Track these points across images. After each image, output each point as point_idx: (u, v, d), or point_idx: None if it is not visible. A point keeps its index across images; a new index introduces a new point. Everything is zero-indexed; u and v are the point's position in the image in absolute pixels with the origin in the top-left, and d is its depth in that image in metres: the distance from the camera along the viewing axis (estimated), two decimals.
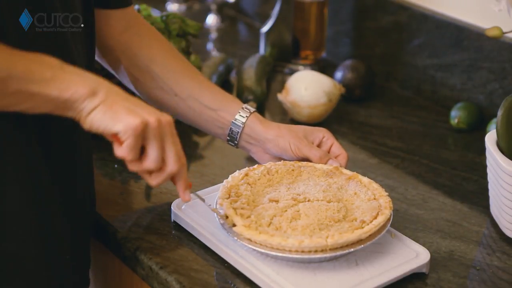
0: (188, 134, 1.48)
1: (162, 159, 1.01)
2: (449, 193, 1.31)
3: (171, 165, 1.02)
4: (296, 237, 1.03)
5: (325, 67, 1.76)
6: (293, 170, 1.18)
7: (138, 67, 1.24)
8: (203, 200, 1.13)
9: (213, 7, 2.05)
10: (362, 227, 1.06)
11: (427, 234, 1.18)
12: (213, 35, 2.02)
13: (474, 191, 1.32)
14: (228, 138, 1.24)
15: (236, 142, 1.24)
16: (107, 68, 1.29)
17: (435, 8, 1.62)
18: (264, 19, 1.92)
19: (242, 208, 1.09)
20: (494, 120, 1.31)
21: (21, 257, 1.04)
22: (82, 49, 1.09)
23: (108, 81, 1.00)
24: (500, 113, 1.16)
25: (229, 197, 1.11)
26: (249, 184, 1.14)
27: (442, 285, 1.08)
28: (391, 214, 1.10)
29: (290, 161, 1.22)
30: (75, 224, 1.11)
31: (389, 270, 1.06)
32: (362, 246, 1.05)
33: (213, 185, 1.25)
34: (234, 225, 1.07)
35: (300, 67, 1.76)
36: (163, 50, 1.26)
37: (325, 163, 1.20)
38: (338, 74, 1.64)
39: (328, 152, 1.22)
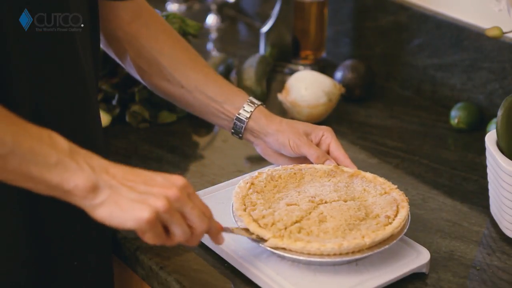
0: (188, 134, 1.48)
1: (189, 226, 0.96)
2: (449, 193, 1.31)
3: (199, 228, 0.96)
4: (334, 241, 1.03)
5: (325, 67, 1.76)
6: (294, 173, 1.18)
7: (145, 58, 1.24)
8: (231, 231, 1.06)
9: (213, 7, 2.05)
10: (391, 223, 1.06)
11: (427, 234, 1.18)
12: (213, 35, 2.02)
13: (474, 191, 1.32)
14: (232, 130, 1.25)
15: (240, 135, 1.25)
16: (113, 58, 1.28)
17: (435, 8, 1.62)
18: (264, 19, 1.92)
19: (263, 217, 1.07)
20: (494, 120, 1.31)
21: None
22: (87, 49, 1.09)
23: (109, 161, 0.93)
24: (500, 113, 1.16)
25: (245, 208, 1.09)
26: (258, 193, 1.13)
27: (442, 285, 1.07)
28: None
29: (289, 156, 1.22)
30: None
31: (389, 270, 1.06)
32: (395, 241, 1.05)
33: (213, 185, 1.25)
34: (263, 239, 1.05)
35: (300, 67, 1.76)
36: (171, 42, 1.26)
37: (323, 163, 1.20)
38: (338, 74, 1.64)
39: (328, 152, 1.23)
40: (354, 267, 1.06)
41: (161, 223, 0.92)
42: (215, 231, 1.00)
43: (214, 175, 1.33)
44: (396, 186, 1.14)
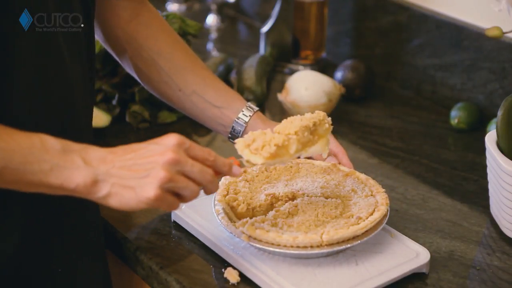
0: (188, 134, 1.48)
1: (197, 181, 0.96)
2: (449, 193, 1.31)
3: (204, 181, 0.96)
4: (291, 233, 1.04)
5: (325, 67, 1.76)
6: (291, 167, 1.19)
7: (144, 58, 1.23)
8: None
9: (213, 7, 2.06)
10: (358, 223, 1.06)
11: (427, 234, 1.18)
12: (213, 35, 2.02)
13: (474, 191, 1.32)
14: (229, 135, 1.25)
15: None
16: (113, 57, 1.27)
17: (435, 8, 1.62)
18: (264, 19, 1.92)
19: (234, 200, 1.10)
20: (494, 120, 1.31)
21: None
22: (79, 49, 1.07)
23: (105, 148, 0.94)
24: (500, 113, 1.16)
25: (227, 194, 1.12)
26: (247, 181, 1.15)
27: (442, 285, 1.08)
28: (387, 211, 1.10)
29: None
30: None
31: (389, 270, 1.06)
32: (359, 241, 1.05)
33: None
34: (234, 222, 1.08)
35: (300, 67, 1.76)
36: (170, 43, 1.25)
37: (323, 160, 1.20)
38: (338, 74, 1.64)
39: None
40: (354, 267, 1.06)
41: (169, 192, 0.93)
42: (226, 169, 0.99)
43: None
44: (384, 190, 1.14)
